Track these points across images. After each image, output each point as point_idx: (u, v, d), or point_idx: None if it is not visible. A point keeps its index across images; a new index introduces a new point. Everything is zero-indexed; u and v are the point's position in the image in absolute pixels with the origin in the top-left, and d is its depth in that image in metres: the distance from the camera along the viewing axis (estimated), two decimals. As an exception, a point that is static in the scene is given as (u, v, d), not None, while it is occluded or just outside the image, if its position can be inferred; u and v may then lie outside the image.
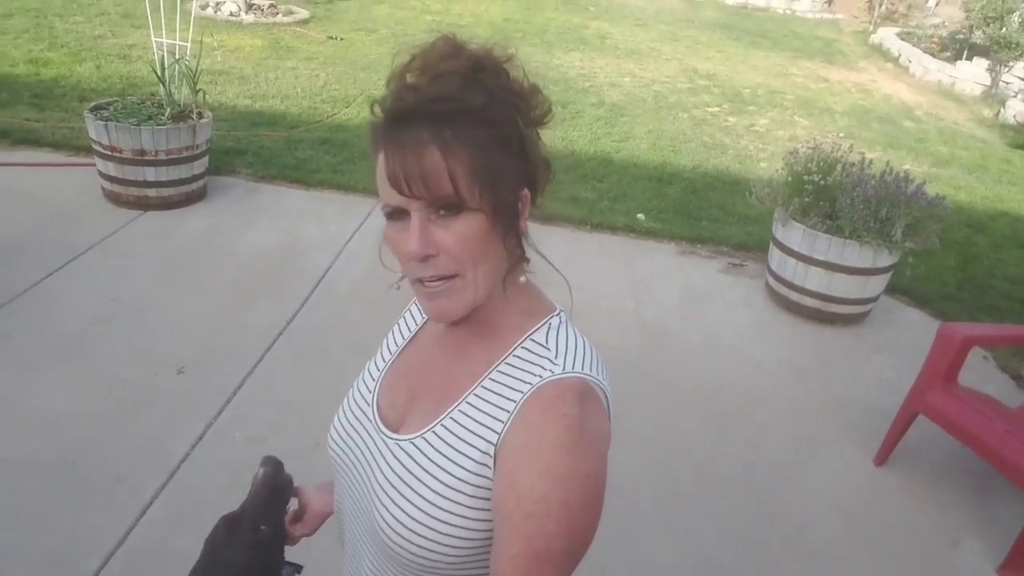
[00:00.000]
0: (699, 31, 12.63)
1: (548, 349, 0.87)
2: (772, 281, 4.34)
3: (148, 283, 3.76)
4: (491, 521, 0.83)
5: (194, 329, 3.44)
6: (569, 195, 5.48)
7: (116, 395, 2.96)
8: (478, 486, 0.83)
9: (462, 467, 0.83)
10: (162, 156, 4.22)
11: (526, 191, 0.87)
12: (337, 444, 1.00)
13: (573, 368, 0.84)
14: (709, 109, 8.26)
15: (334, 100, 6.84)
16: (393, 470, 0.88)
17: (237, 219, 4.53)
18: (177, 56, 4.48)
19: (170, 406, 2.95)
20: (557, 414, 0.79)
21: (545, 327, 0.90)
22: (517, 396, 0.83)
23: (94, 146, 4.28)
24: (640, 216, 5.27)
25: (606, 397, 0.87)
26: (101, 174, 4.37)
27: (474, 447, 0.83)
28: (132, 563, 2.27)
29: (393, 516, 0.86)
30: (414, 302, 1.08)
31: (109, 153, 4.21)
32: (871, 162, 4.08)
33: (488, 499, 0.83)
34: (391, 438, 0.92)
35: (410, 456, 0.88)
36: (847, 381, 3.79)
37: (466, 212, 0.81)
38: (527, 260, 0.91)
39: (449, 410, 0.88)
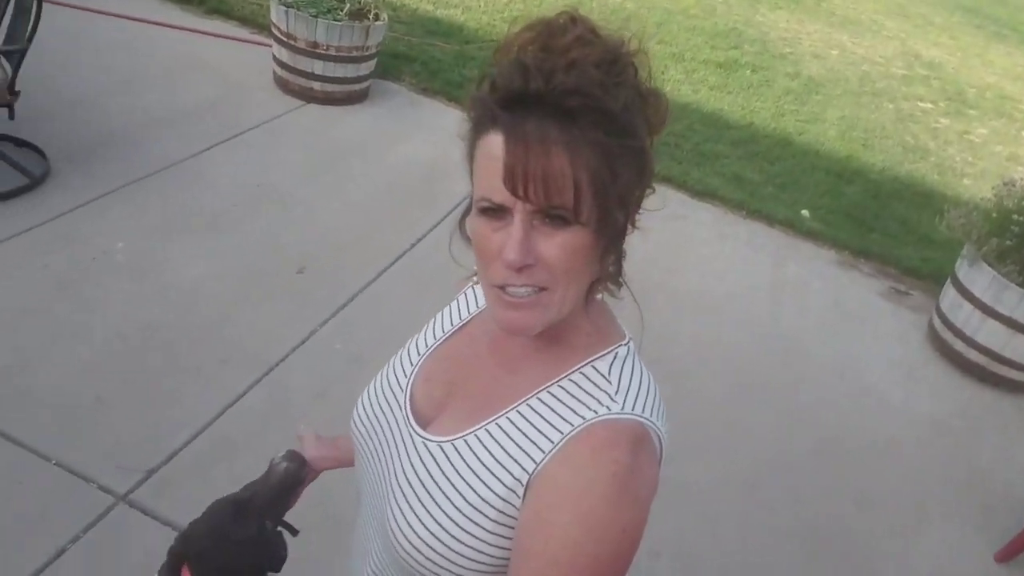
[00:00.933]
0: (934, 9, 11.27)
1: (609, 382, 0.80)
2: (937, 322, 3.84)
3: (294, 175, 3.83)
4: (508, 549, 0.78)
5: (324, 230, 3.49)
6: (733, 172, 5.09)
7: (236, 281, 3.05)
8: (502, 511, 0.77)
9: (490, 488, 0.78)
10: (332, 52, 4.24)
11: (638, 208, 0.79)
12: (362, 423, 0.94)
13: (632, 409, 0.78)
14: (921, 104, 7.38)
15: (514, 20, 6.63)
16: (416, 472, 0.83)
17: (392, 128, 4.53)
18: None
19: (283, 303, 3.01)
20: (606, 459, 0.74)
21: (611, 355, 0.83)
22: (566, 428, 0.77)
23: (273, 30, 4.36)
24: (804, 213, 4.81)
25: (660, 442, 0.80)
26: (275, 58, 4.46)
27: (507, 471, 0.78)
28: (215, 448, 2.35)
29: (407, 521, 0.81)
30: (463, 292, 1.01)
31: (285, 39, 4.27)
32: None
33: (510, 526, 0.77)
34: (419, 435, 0.86)
35: (436, 461, 0.82)
36: (993, 456, 3.33)
37: (575, 225, 0.73)
38: (620, 284, 0.83)
39: (487, 420, 0.81)
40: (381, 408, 0.93)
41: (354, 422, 0.95)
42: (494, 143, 0.72)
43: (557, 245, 0.73)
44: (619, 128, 0.72)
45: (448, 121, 4.76)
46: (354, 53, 4.32)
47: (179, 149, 3.70)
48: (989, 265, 3.50)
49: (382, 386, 0.95)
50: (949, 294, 3.77)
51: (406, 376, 0.93)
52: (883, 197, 5.37)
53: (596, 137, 0.71)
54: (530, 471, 0.76)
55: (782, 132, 5.97)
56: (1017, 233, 3.45)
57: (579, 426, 0.76)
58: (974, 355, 3.63)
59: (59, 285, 2.76)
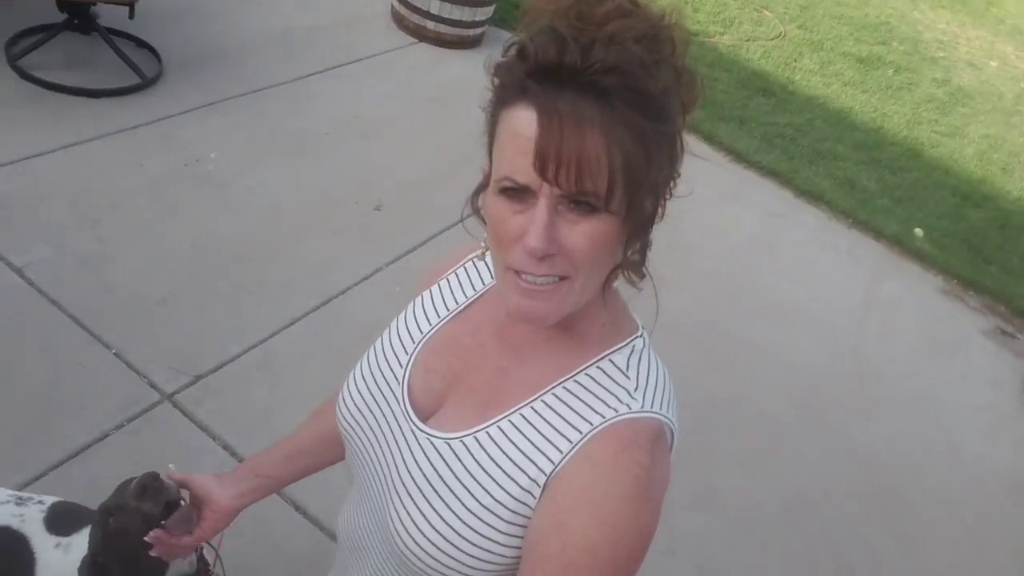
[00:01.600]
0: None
1: (628, 378, 0.76)
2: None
3: (391, 112, 3.85)
4: (519, 548, 0.75)
5: (409, 171, 3.50)
6: (847, 176, 4.78)
7: (314, 207, 3.11)
8: (516, 512, 0.74)
9: (505, 489, 0.74)
10: (449, -8, 4.20)
11: (668, 196, 0.74)
12: (352, 415, 0.88)
13: (652, 406, 0.75)
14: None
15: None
16: (421, 469, 0.78)
17: (498, 78, 4.47)
18: None
19: (354, 236, 3.05)
20: (628, 461, 0.71)
21: (628, 348, 0.79)
22: (585, 427, 0.73)
23: (395, -40, 4.35)
24: (918, 231, 4.47)
25: (673, 435, 0.78)
26: (393, -9, 4.46)
27: (523, 471, 0.74)
28: (261, 367, 2.43)
29: (412, 521, 0.77)
30: (463, 266, 0.93)
31: (405, -26, 4.25)
32: None
33: (523, 526, 0.74)
34: (421, 430, 0.80)
35: (443, 459, 0.77)
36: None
37: (603, 213, 0.68)
38: (643, 275, 0.77)
39: (499, 417, 0.77)
40: (375, 400, 0.86)
41: (342, 414, 0.89)
42: (522, 119, 0.67)
43: (582, 233, 0.68)
44: (657, 111, 0.67)
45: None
46: (472, -3, 4.27)
47: (286, 70, 3.76)
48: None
49: (373, 375, 0.88)
50: (1059, 347, 3.44)
51: (402, 366, 0.86)
52: (1011, 228, 4.93)
53: (633, 119, 0.65)
54: (547, 472, 0.73)
55: (913, 142, 5.55)
56: None
57: (599, 425, 0.73)
58: (1073, 417, 3.32)
59: (151, 185, 2.89)
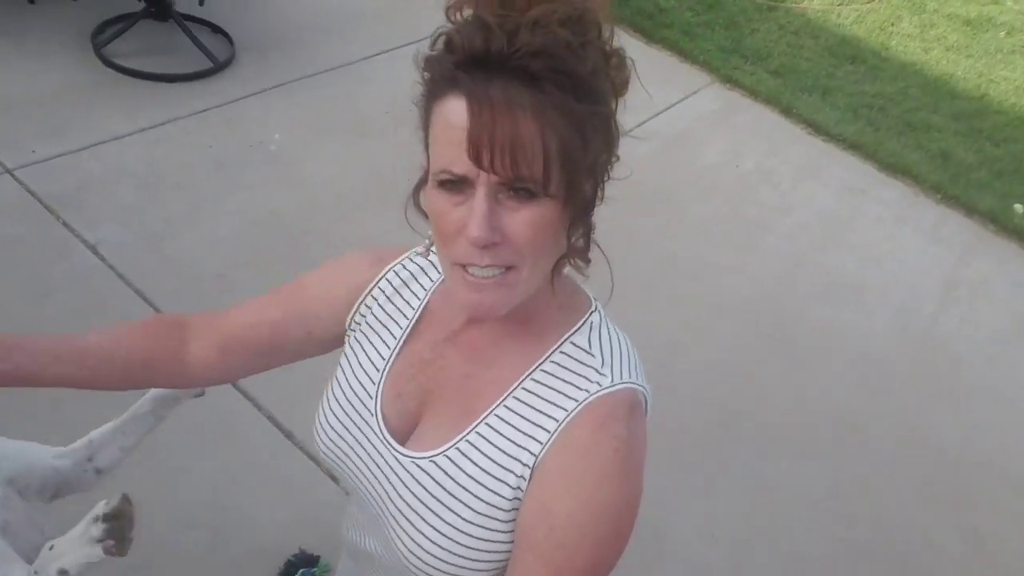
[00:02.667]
0: None
1: (592, 356, 0.78)
2: None
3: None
4: None
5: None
6: (940, 149, 4.46)
7: (373, 185, 3.14)
8: (513, 509, 0.76)
9: (496, 492, 0.77)
10: (516, -32, 4.17)
11: (606, 178, 0.75)
12: (332, 448, 0.89)
13: (621, 377, 0.77)
14: None
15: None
16: (412, 493, 0.80)
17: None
18: None
19: (403, 218, 3.10)
20: (606, 437, 0.74)
21: (586, 327, 0.80)
22: (560, 414, 0.75)
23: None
24: (1018, 207, 4.13)
25: (646, 400, 0.80)
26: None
27: (509, 470, 0.76)
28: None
29: (414, 542, 0.79)
30: (390, 276, 0.91)
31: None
32: None
33: None
34: (405, 455, 0.82)
35: (431, 477, 0.79)
36: None
37: (543, 198, 0.69)
38: (587, 260, 0.77)
39: (475, 424, 0.79)
40: (352, 434, 0.87)
41: (322, 445, 0.90)
42: (454, 109, 0.68)
43: (524, 220, 0.69)
44: (588, 93, 0.68)
45: (634, 53, 4.55)
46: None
47: (350, 51, 3.85)
48: None
49: (343, 408, 0.88)
50: None
51: (371, 397, 0.87)
52: None
53: (565, 103, 0.66)
54: (531, 464, 0.75)
55: (1023, 111, 5.11)
56: None
57: (573, 410, 0.75)
58: None
59: (216, 166, 3.04)
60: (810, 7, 5.62)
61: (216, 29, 3.63)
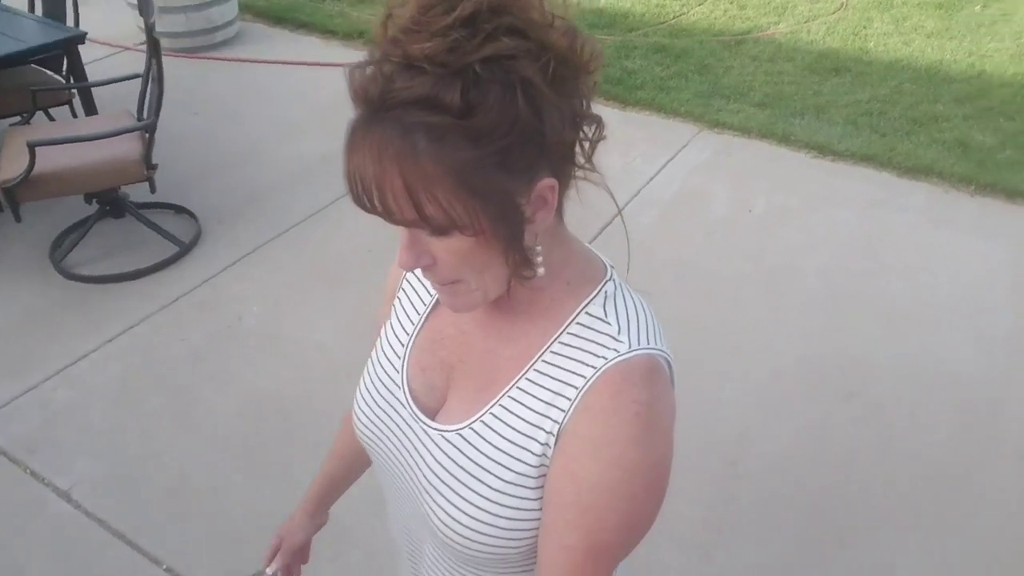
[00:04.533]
0: None
1: (608, 324, 0.77)
2: None
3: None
4: None
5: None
6: (956, 138, 4.15)
7: (356, 341, 2.92)
8: (541, 476, 0.77)
9: (522, 460, 0.77)
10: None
11: (548, 181, 0.68)
12: (368, 427, 0.91)
13: (639, 343, 0.76)
14: None
15: (685, -4, 6.03)
16: (443, 466, 0.81)
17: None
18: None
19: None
20: (626, 400, 0.73)
21: (601, 296, 0.79)
22: (579, 382, 0.75)
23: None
24: (1056, 178, 3.78)
25: (669, 365, 0.79)
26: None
27: (533, 439, 0.76)
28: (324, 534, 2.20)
29: (450, 516, 0.79)
30: None
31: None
32: None
33: None
34: (434, 428, 0.83)
35: (460, 450, 0.80)
36: None
37: (453, 233, 0.67)
38: (534, 273, 0.73)
39: (498, 396, 0.79)
40: (383, 408, 0.89)
41: (359, 428, 0.92)
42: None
43: (443, 249, 0.69)
44: (474, 133, 0.62)
45: (612, 120, 4.36)
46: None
47: (323, 196, 3.66)
48: None
49: (374, 386, 0.91)
50: None
51: (398, 371, 0.89)
52: None
53: (447, 150, 0.62)
54: (554, 432, 0.75)
55: (1025, 77, 4.81)
56: None
57: (591, 377, 0.74)
58: None
59: (194, 360, 2.80)
60: (777, 32, 5.46)
61: (179, 209, 3.49)
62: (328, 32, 5.46)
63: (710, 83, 4.75)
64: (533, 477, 0.76)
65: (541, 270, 0.74)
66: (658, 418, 0.74)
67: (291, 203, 3.64)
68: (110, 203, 3.22)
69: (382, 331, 0.95)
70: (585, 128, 0.70)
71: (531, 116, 0.63)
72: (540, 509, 0.77)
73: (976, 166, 3.90)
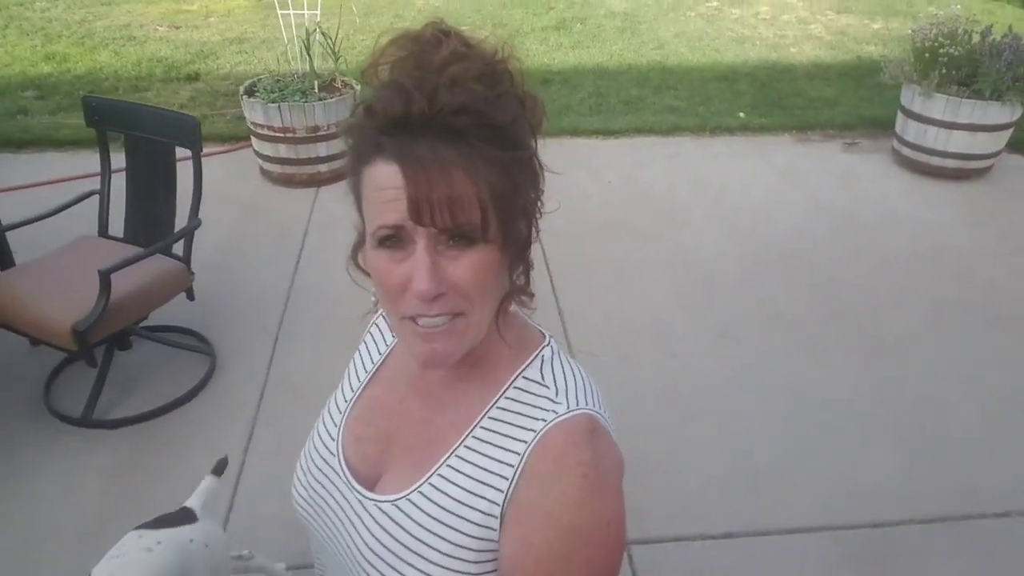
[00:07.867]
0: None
1: (545, 386, 0.80)
2: (907, 151, 4.77)
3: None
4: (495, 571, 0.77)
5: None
6: (665, 105, 5.71)
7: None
8: (481, 550, 0.76)
9: (461, 532, 0.76)
10: (333, 129, 4.17)
11: (538, 216, 0.78)
12: (304, 499, 0.90)
13: (577, 404, 0.78)
14: (710, 4, 8.52)
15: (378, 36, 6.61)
16: (376, 538, 0.80)
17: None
18: (307, 26, 4.34)
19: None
20: (571, 463, 0.74)
21: (538, 360, 0.82)
22: (520, 447, 0.76)
23: (259, 130, 4.17)
24: (741, 115, 5.57)
25: (606, 426, 0.81)
26: (268, 158, 4.27)
27: (475, 508, 0.76)
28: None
29: None
30: (370, 331, 0.98)
31: (281, 135, 4.11)
32: (991, 27, 4.51)
33: (492, 559, 0.77)
34: (369, 499, 0.83)
35: (395, 522, 0.79)
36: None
37: (481, 244, 0.71)
38: (531, 294, 0.81)
39: (437, 465, 0.79)
40: (318, 480, 0.88)
41: (296, 503, 0.91)
42: (384, 173, 0.69)
43: (466, 266, 0.71)
44: (510, 140, 0.71)
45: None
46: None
47: (282, 276, 3.49)
48: (940, 93, 4.44)
49: (312, 458, 0.90)
50: (911, 127, 4.67)
51: (334, 439, 0.89)
52: (768, 83, 6.27)
53: (491, 153, 0.69)
54: (500, 501, 0.75)
55: (653, 62, 6.64)
56: (945, 63, 4.41)
57: (532, 441, 0.75)
58: (950, 162, 4.58)
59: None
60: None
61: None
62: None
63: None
64: (473, 549, 0.76)
65: (535, 306, 0.78)
66: (605, 476, 0.74)
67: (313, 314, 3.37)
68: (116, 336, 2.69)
69: (326, 404, 0.94)
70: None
71: (533, 148, 0.73)
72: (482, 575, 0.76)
73: (699, 119, 5.47)
